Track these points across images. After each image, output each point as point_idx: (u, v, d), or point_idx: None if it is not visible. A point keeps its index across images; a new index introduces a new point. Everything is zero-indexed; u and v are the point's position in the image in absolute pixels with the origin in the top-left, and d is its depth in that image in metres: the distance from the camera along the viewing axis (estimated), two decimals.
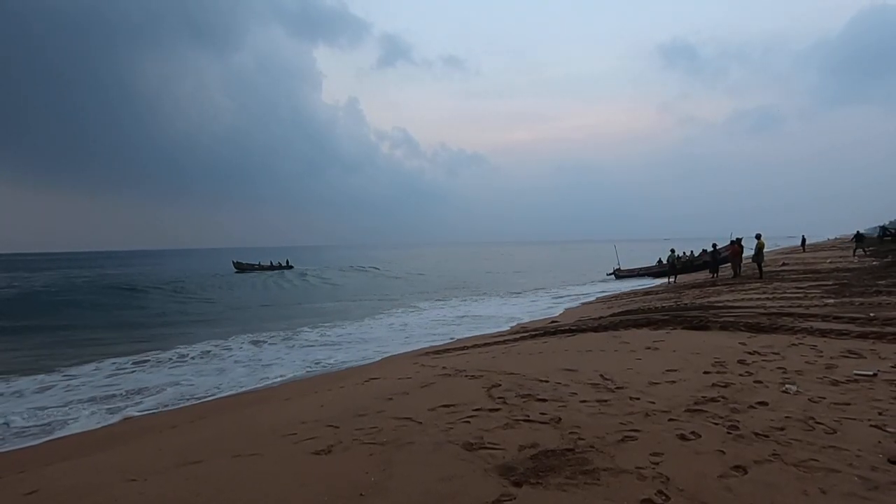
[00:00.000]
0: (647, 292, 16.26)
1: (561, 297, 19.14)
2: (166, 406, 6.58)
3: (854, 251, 23.02)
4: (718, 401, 3.67)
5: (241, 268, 41.85)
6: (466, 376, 5.01)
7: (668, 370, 4.61)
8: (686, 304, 10.43)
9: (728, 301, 9.88)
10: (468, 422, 3.48)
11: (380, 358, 8.76)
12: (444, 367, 5.81)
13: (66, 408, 6.60)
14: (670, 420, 3.31)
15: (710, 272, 19.44)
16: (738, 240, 17.91)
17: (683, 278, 19.83)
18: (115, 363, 9.23)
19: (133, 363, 9.30)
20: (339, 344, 10.72)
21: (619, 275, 27.10)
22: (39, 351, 11.40)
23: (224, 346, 10.81)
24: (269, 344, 10.92)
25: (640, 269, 27.39)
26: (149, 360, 9.54)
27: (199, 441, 4.23)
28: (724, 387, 4.01)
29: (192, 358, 9.71)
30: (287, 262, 44.71)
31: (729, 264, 18.32)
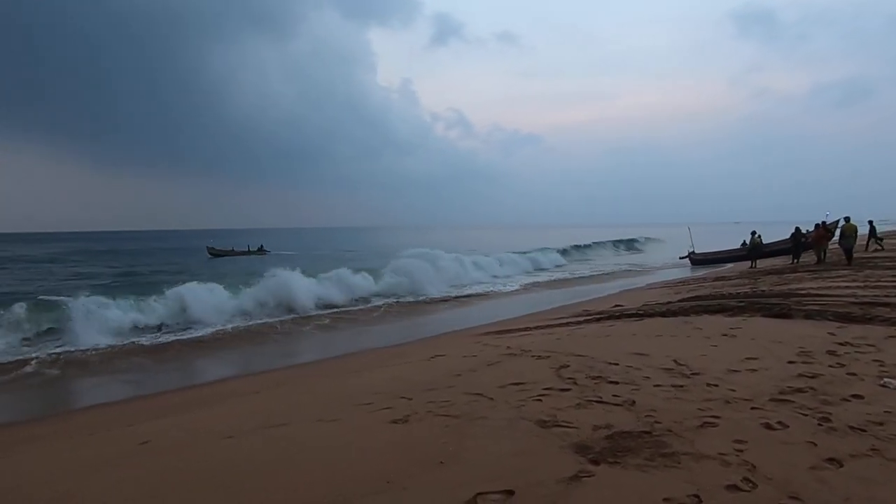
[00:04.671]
0: (717, 277, 15.41)
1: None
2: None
3: None
4: (806, 392, 3.48)
5: (215, 253, 39.10)
6: (533, 356, 5.04)
7: (747, 358, 4.41)
8: (764, 290, 9.81)
9: (812, 289, 9.19)
10: (539, 400, 3.53)
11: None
12: (508, 347, 5.86)
13: None
14: (753, 409, 3.18)
15: (792, 258, 18.08)
16: (823, 223, 16.50)
17: (760, 264, 18.56)
18: None
19: None
20: None
21: (695, 259, 24.11)
22: None
23: None
24: None
25: (721, 252, 24.07)
26: None
27: (282, 406, 4.56)
28: (812, 377, 3.79)
29: None
30: (261, 247, 41.92)
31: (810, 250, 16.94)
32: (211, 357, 9.31)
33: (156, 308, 11.93)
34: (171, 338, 10.46)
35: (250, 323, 12.00)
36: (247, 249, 40.66)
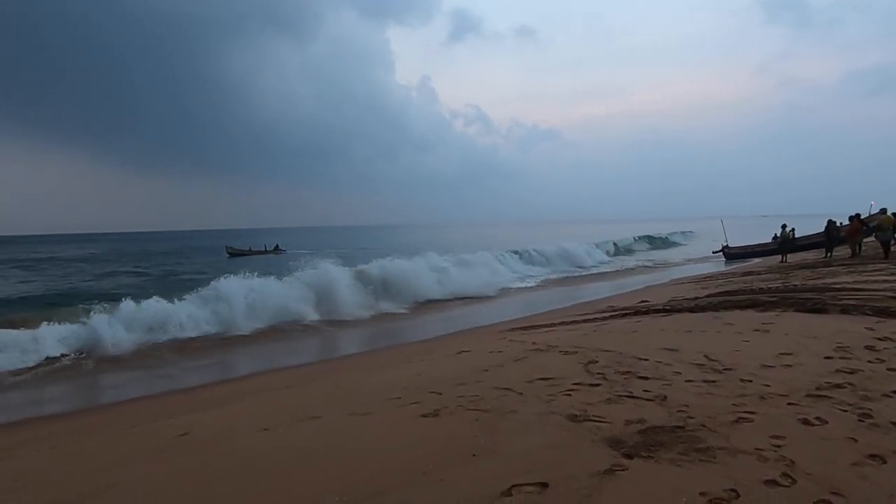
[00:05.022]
0: (746, 272, 15.07)
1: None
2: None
3: None
4: (845, 387, 3.40)
5: (233, 252, 39.75)
6: (560, 352, 5.03)
7: (781, 353, 4.31)
8: (796, 285, 9.55)
9: (847, 283, 8.91)
10: (569, 395, 3.53)
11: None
12: (533, 343, 5.86)
13: None
14: (789, 404, 3.13)
15: (824, 251, 17.54)
16: (858, 215, 15.96)
17: (791, 258, 18.06)
18: None
19: None
20: None
21: (730, 253, 23.13)
22: None
23: None
24: None
25: (757, 245, 23.10)
26: None
27: (314, 400, 4.66)
28: (851, 373, 3.69)
29: None
30: (277, 246, 42.14)
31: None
32: (237, 354, 9.56)
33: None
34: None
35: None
36: (264, 249, 41.29)
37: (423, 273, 16.07)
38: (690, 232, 46.13)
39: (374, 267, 15.47)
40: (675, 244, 41.10)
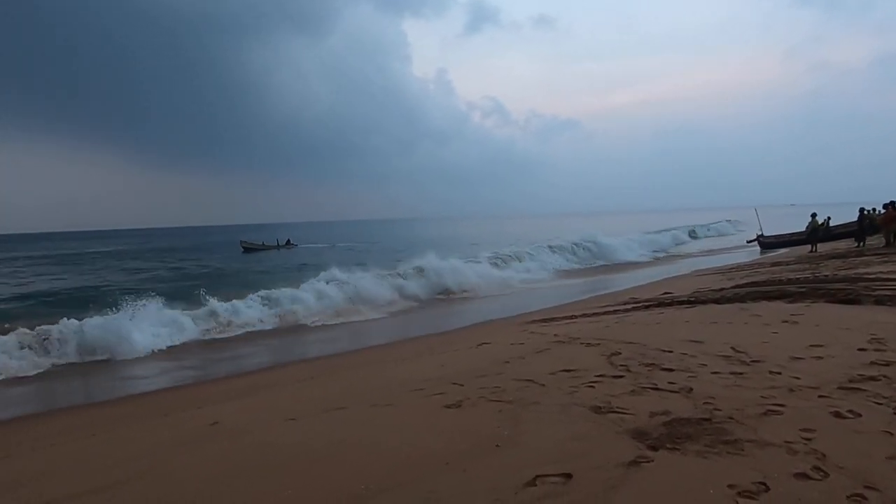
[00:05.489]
0: (774, 263, 14.66)
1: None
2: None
3: None
4: (879, 380, 3.30)
5: (248, 247, 39.86)
6: (582, 343, 5.01)
7: (811, 345, 4.21)
8: (827, 275, 9.27)
9: (882, 273, 8.61)
10: (592, 387, 3.51)
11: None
12: (555, 335, 5.84)
13: None
14: (820, 397, 3.05)
15: (856, 241, 16.95)
16: (893, 203, 15.35)
17: (821, 248, 17.50)
18: None
19: None
20: None
21: (765, 242, 22.23)
22: None
23: None
24: None
25: (795, 234, 21.73)
26: None
27: (337, 391, 4.73)
28: (886, 365, 3.58)
29: None
30: (288, 240, 42.80)
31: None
32: (261, 346, 9.76)
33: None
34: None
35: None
36: (276, 243, 42.09)
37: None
38: (737, 220, 44.82)
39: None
40: (725, 234, 39.98)
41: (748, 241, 23.83)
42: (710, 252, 24.71)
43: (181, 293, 12.72)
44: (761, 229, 23.12)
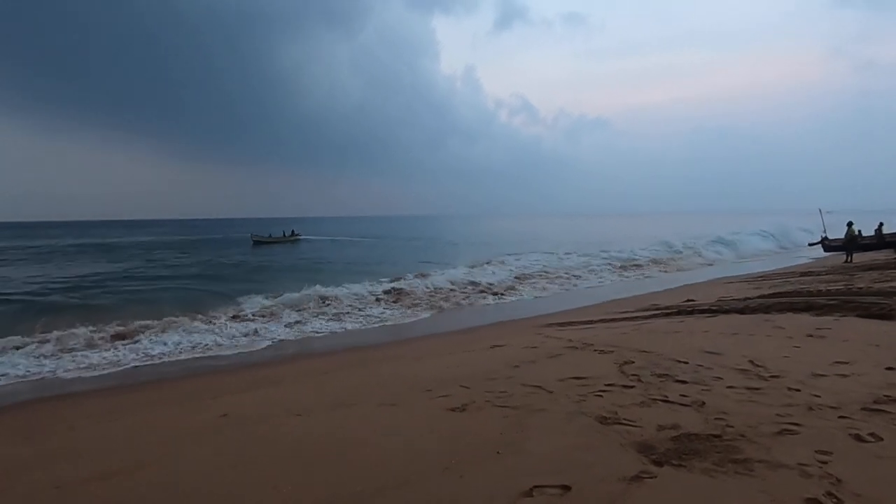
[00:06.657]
0: (804, 272, 14.13)
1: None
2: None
3: None
4: None
5: (258, 241, 40.29)
6: (595, 350, 4.92)
7: (836, 362, 4.03)
8: (861, 288, 8.88)
9: None
10: (600, 396, 3.45)
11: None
12: (570, 340, 5.75)
13: None
14: (841, 417, 2.92)
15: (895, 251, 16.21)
16: None
17: (858, 258, 16.78)
18: None
19: None
20: None
21: (830, 246, 21.22)
22: None
23: None
24: None
25: (865, 237, 20.23)
26: None
27: (348, 388, 4.77)
28: None
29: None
30: (293, 232, 43.35)
31: None
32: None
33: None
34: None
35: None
36: (283, 235, 43.16)
37: None
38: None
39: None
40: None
41: (810, 244, 22.90)
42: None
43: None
44: (825, 231, 22.25)
